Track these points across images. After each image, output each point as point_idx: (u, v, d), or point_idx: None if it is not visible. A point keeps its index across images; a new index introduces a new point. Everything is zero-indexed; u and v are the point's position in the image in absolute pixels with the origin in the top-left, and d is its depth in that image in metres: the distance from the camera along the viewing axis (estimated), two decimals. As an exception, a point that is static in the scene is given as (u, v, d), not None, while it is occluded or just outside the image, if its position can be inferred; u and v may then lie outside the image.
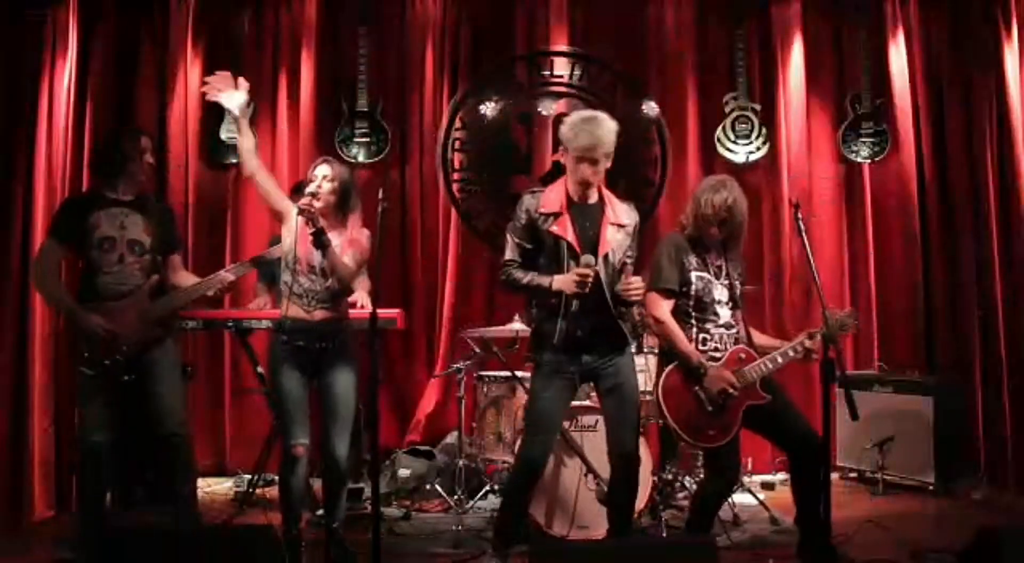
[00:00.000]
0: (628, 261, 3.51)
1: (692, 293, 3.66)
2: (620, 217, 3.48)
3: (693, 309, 3.67)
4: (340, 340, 3.74)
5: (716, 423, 3.64)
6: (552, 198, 3.45)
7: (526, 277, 3.43)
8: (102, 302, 3.74)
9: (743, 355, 3.66)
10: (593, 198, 3.49)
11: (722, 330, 3.68)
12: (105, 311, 3.73)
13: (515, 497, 3.63)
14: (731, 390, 3.58)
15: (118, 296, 3.76)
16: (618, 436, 3.51)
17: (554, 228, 3.39)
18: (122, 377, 3.75)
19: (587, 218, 3.43)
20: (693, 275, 3.65)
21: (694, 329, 3.67)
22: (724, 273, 3.71)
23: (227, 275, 3.96)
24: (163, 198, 5.47)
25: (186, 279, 4.01)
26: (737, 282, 3.72)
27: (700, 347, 3.66)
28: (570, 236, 3.38)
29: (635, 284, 3.38)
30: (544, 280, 3.39)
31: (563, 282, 3.33)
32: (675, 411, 3.65)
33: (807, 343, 3.65)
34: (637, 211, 3.66)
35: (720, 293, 3.68)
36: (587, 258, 3.34)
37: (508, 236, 3.51)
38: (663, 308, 3.67)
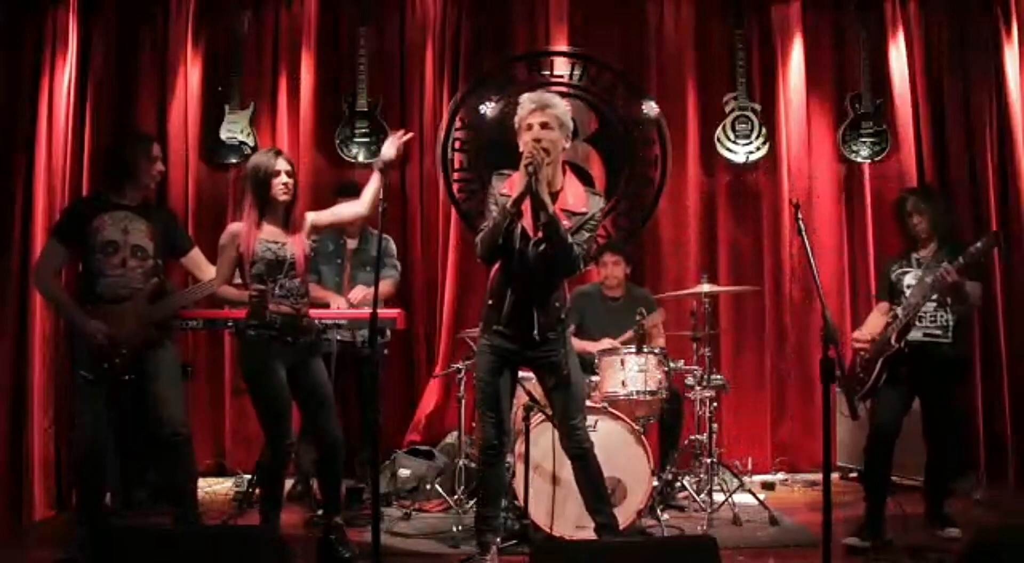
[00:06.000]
0: (577, 248, 3.49)
1: (893, 289, 4.22)
2: (575, 205, 3.54)
3: (895, 301, 4.18)
4: (317, 333, 3.89)
5: (864, 379, 4.11)
6: (515, 182, 3.52)
7: (485, 227, 3.54)
8: (102, 305, 3.75)
9: (890, 320, 4.11)
10: (556, 185, 3.54)
11: (901, 311, 4.09)
12: (105, 314, 3.74)
13: (484, 485, 3.71)
14: (858, 341, 4.18)
15: (119, 299, 3.77)
16: (570, 431, 3.61)
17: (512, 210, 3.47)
18: (121, 378, 3.76)
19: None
20: (893, 275, 4.24)
21: (891, 313, 4.18)
22: (928, 267, 4.10)
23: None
24: (163, 198, 5.48)
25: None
26: (944, 265, 3.94)
27: (890, 323, 4.10)
28: (524, 219, 3.46)
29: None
30: (501, 211, 3.46)
31: (518, 178, 3.43)
32: (852, 383, 4.20)
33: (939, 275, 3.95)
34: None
35: (911, 279, 4.15)
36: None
37: (486, 214, 3.63)
38: (873, 312, 4.38)
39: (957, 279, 3.89)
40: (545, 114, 3.48)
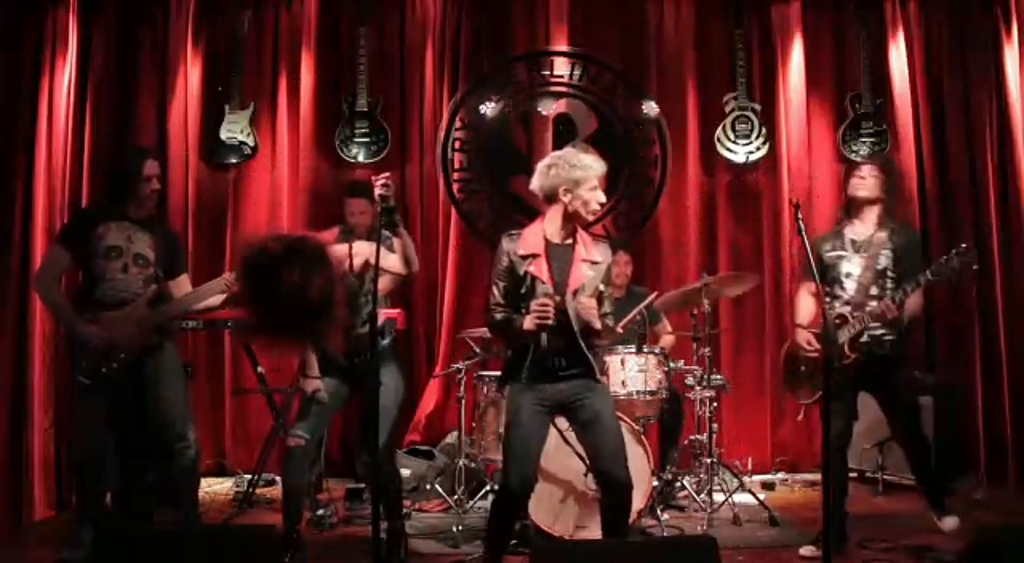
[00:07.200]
0: (604, 293, 3.48)
1: (827, 274, 3.99)
2: (592, 255, 3.48)
3: (828, 286, 3.97)
4: (363, 354, 3.78)
5: (811, 383, 3.99)
6: (529, 240, 3.47)
7: (501, 316, 3.45)
8: (101, 311, 3.77)
9: (838, 320, 3.87)
10: (569, 238, 3.49)
11: (846, 308, 3.90)
12: (104, 320, 3.75)
13: (499, 524, 3.54)
14: (807, 349, 3.99)
15: (118, 304, 3.79)
16: (605, 468, 3.39)
17: (530, 268, 3.41)
18: (120, 382, 3.77)
19: (561, 257, 3.44)
20: (826, 257, 4.01)
21: (826, 306, 3.92)
22: (866, 247, 3.95)
23: (223, 281, 3.96)
24: (163, 198, 5.47)
25: None
26: (885, 253, 3.90)
27: (841, 325, 3.92)
28: (544, 275, 3.40)
29: (584, 303, 3.36)
30: (515, 320, 3.40)
31: (528, 321, 3.35)
32: (787, 373, 4.17)
33: (879, 308, 3.82)
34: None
35: (850, 267, 3.96)
36: (544, 288, 3.37)
37: (493, 280, 3.53)
38: (800, 292, 4.23)
39: (897, 315, 3.81)
40: (601, 177, 3.45)
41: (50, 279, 3.92)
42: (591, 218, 3.49)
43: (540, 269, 3.40)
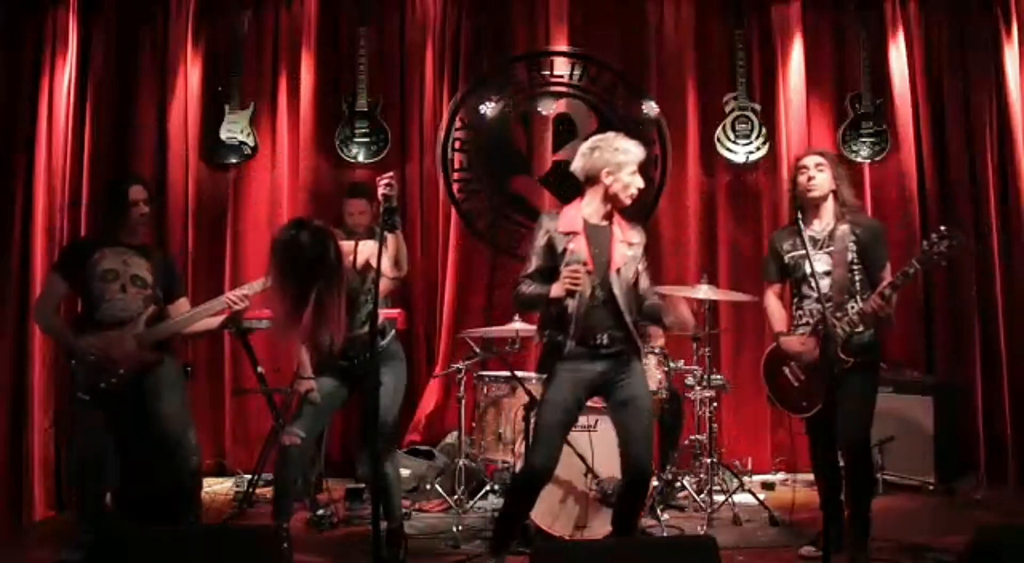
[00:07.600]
0: (641, 273, 3.57)
1: (790, 274, 3.91)
2: (629, 237, 3.56)
3: (793, 287, 3.93)
4: (362, 354, 3.75)
5: (805, 393, 3.79)
6: (570, 219, 3.53)
7: (530, 288, 3.51)
8: (101, 331, 3.80)
9: (821, 325, 3.70)
10: (606, 220, 3.55)
11: (817, 305, 3.74)
12: (103, 339, 3.78)
13: (515, 503, 3.59)
14: (801, 355, 3.79)
15: (118, 323, 3.83)
16: (634, 452, 3.42)
17: (570, 246, 3.46)
18: (119, 397, 3.80)
19: (600, 237, 3.50)
20: (787, 257, 3.90)
21: (794, 307, 3.91)
22: (828, 242, 3.81)
23: (224, 300, 3.89)
24: (163, 199, 5.49)
25: None
26: (850, 246, 3.76)
27: (797, 323, 3.87)
28: (584, 253, 3.44)
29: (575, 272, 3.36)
30: (544, 288, 3.45)
31: (557, 287, 3.40)
32: (774, 388, 3.95)
33: (869, 305, 3.67)
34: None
35: (816, 265, 3.70)
36: (577, 257, 3.42)
37: (528, 257, 3.58)
38: (766, 295, 4.04)
39: (890, 312, 3.65)
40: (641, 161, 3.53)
41: (48, 309, 3.99)
42: (629, 202, 3.52)
43: (580, 247, 3.45)
